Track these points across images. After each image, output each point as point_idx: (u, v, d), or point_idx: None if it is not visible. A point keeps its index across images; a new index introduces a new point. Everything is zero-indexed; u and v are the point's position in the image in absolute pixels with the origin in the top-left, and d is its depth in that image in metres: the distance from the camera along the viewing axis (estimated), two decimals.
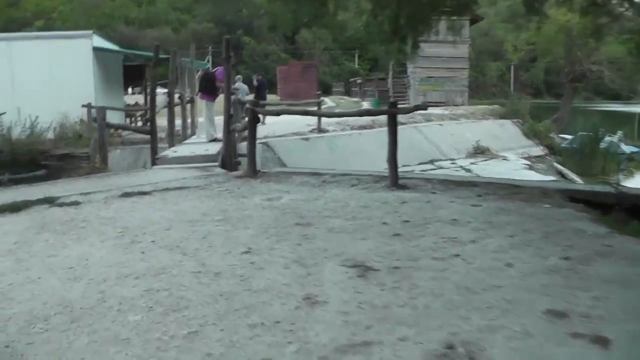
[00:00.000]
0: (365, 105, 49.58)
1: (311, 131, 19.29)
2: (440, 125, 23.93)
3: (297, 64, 53.16)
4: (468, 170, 18.75)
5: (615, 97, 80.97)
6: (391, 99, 40.39)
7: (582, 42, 31.15)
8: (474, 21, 39.72)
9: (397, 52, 10.41)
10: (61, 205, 7.98)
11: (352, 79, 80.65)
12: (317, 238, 6.19)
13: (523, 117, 29.33)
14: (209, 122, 14.72)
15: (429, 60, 37.84)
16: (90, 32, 19.53)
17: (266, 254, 5.64)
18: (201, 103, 15.12)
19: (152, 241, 6.16)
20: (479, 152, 22.90)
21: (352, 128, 20.55)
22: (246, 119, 10.21)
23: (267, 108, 12.66)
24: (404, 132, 21.03)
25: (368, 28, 10.03)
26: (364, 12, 9.91)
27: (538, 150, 26.86)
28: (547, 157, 26.46)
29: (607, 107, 60.95)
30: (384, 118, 23.84)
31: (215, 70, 15.29)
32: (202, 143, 14.26)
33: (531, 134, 27.71)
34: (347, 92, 78.06)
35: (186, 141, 15.28)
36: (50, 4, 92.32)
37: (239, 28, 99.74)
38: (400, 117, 23.74)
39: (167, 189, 9.08)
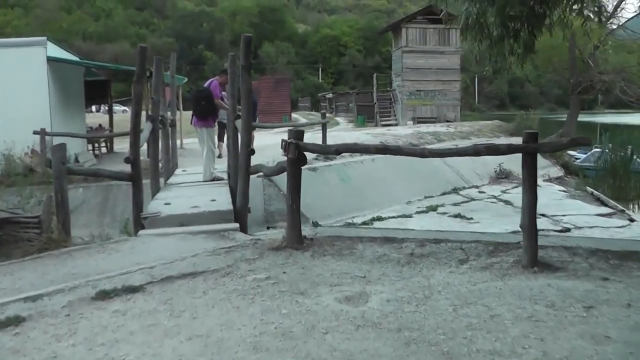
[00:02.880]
0: (342, 121, 46.49)
1: (316, 158, 15.96)
2: (456, 145, 20.67)
3: (268, 79, 49.71)
4: (507, 202, 15.58)
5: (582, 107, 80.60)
6: (377, 115, 37.45)
7: (592, 51, 28.63)
8: None
9: (510, 53, 7.11)
10: None
11: (320, 94, 77.89)
12: None
13: None
14: (210, 155, 11.13)
15: (418, 72, 34.92)
16: (44, 38, 15.68)
17: None
18: (199, 132, 11.47)
19: None
20: (502, 176, 19.78)
21: (361, 153, 17.22)
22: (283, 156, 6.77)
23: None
24: None
25: (468, 20, 6.73)
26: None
27: (556, 171, 23.88)
28: (566, 178, 23.52)
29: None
30: (392, 139, 20.67)
31: (210, 84, 11.72)
32: (198, 185, 10.65)
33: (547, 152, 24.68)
34: (314, 107, 75.27)
35: (173, 180, 11.58)
36: (4, 18, 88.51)
37: (200, 42, 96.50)
38: (414, 140, 20.68)
39: (170, 279, 5.56)
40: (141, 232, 7.46)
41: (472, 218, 13.29)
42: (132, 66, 13.79)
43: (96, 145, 19.13)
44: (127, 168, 8.21)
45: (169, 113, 13.66)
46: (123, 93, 47.66)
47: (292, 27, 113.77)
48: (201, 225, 7.54)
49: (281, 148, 6.64)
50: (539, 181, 19.91)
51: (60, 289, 5.22)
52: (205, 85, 11.87)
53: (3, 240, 6.82)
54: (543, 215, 13.97)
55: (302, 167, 14.78)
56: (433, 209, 14.51)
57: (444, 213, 14.05)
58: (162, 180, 11.15)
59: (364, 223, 12.85)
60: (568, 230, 12.61)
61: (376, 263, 6.00)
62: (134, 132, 7.60)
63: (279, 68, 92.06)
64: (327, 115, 54.40)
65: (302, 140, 6.50)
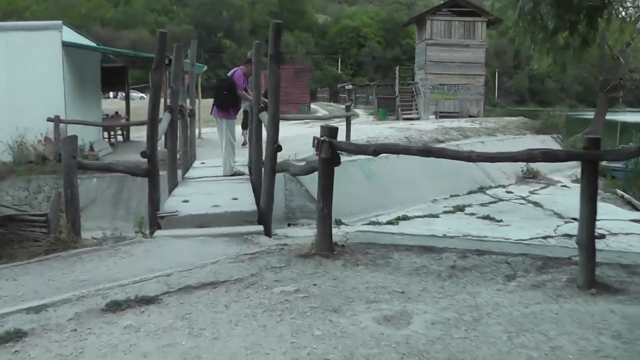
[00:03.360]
0: (361, 114, 45.71)
1: (339, 152, 15.43)
2: (483, 143, 20.08)
3: (287, 68, 48.93)
4: (537, 204, 14.92)
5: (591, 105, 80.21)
6: (399, 108, 36.77)
7: (623, 47, 27.81)
8: (491, 23, 36.11)
9: (564, 46, 6.51)
10: None
11: (339, 85, 77.31)
12: None
13: (559, 132, 25.63)
14: (230, 148, 10.58)
15: (442, 66, 34.19)
16: (59, 22, 15.12)
17: None
18: (218, 123, 10.91)
19: None
20: (530, 176, 19.17)
21: None
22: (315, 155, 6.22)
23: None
24: None
25: (523, 10, 6.14)
26: None
27: None
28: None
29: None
30: (417, 134, 20.05)
31: (234, 73, 11.12)
32: (218, 180, 10.08)
33: None
34: (332, 99, 74.69)
35: (191, 174, 11.03)
36: (23, 3, 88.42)
37: (219, 30, 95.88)
38: (439, 136, 20.07)
39: (188, 289, 5.03)
40: (157, 232, 6.92)
41: (501, 220, 12.71)
42: (151, 53, 13.33)
43: (112, 133, 18.65)
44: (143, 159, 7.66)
45: (187, 102, 13.14)
46: (141, 80, 47.05)
47: (312, 17, 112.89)
48: (222, 226, 7.00)
49: (313, 147, 6.08)
50: (566, 182, 19.35)
51: (67, 298, 4.70)
52: (229, 74, 11.28)
53: (7, 239, 6.27)
54: (575, 219, 13.30)
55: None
56: (460, 209, 13.93)
57: (472, 214, 13.46)
58: (179, 172, 10.65)
59: (389, 222, 12.33)
60: (603, 236, 11.96)
61: (415, 276, 5.44)
62: (152, 124, 7.02)
63: (297, 58, 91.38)
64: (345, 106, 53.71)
65: (335, 138, 5.93)
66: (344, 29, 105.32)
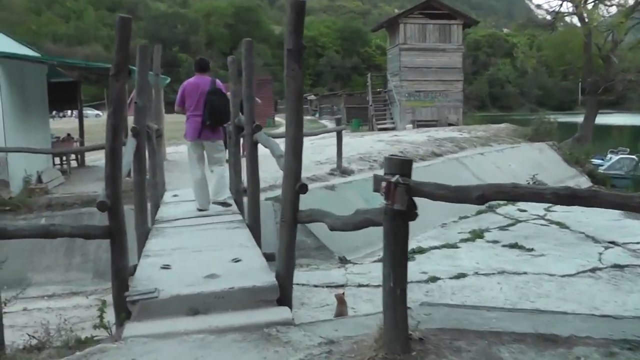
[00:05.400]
0: (330, 125, 43.52)
1: (331, 172, 13.46)
2: (482, 155, 18.20)
3: None
4: (562, 225, 13.07)
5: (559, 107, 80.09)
6: (373, 118, 34.79)
7: (612, 47, 26.36)
8: (466, 25, 34.43)
9: None
10: None
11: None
12: None
13: (553, 139, 24.00)
14: (227, 175, 8.33)
15: (417, 72, 32.37)
16: None
17: None
18: (209, 146, 8.48)
19: None
20: None
21: (382, 165, 14.58)
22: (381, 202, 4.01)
23: None
24: (446, 166, 15.58)
25: None
26: None
27: (585, 181, 21.52)
28: (594, 189, 21.09)
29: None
30: (411, 148, 18.06)
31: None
32: (203, 224, 7.58)
33: (572, 160, 22.26)
34: None
35: (164, 213, 8.23)
36: None
37: (174, 44, 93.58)
38: (435, 149, 18.09)
39: None
40: (128, 328, 4.36)
41: (532, 249, 10.80)
42: (105, 64, 11.07)
43: (64, 158, 16.13)
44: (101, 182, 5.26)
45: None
46: (96, 97, 44.37)
47: (268, 28, 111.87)
48: (227, 311, 4.55)
49: (375, 190, 3.87)
50: None
51: None
52: (217, 85, 8.85)
53: None
54: (613, 243, 11.44)
55: (319, 186, 11.98)
56: (478, 235, 11.97)
57: (495, 241, 11.48)
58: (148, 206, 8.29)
59: None
60: None
61: None
62: (112, 159, 4.56)
63: (255, 70, 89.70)
64: (309, 118, 51.43)
65: (410, 175, 3.72)
66: None
